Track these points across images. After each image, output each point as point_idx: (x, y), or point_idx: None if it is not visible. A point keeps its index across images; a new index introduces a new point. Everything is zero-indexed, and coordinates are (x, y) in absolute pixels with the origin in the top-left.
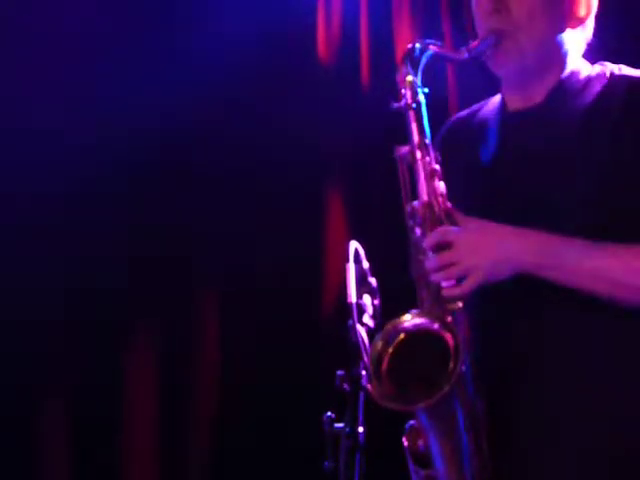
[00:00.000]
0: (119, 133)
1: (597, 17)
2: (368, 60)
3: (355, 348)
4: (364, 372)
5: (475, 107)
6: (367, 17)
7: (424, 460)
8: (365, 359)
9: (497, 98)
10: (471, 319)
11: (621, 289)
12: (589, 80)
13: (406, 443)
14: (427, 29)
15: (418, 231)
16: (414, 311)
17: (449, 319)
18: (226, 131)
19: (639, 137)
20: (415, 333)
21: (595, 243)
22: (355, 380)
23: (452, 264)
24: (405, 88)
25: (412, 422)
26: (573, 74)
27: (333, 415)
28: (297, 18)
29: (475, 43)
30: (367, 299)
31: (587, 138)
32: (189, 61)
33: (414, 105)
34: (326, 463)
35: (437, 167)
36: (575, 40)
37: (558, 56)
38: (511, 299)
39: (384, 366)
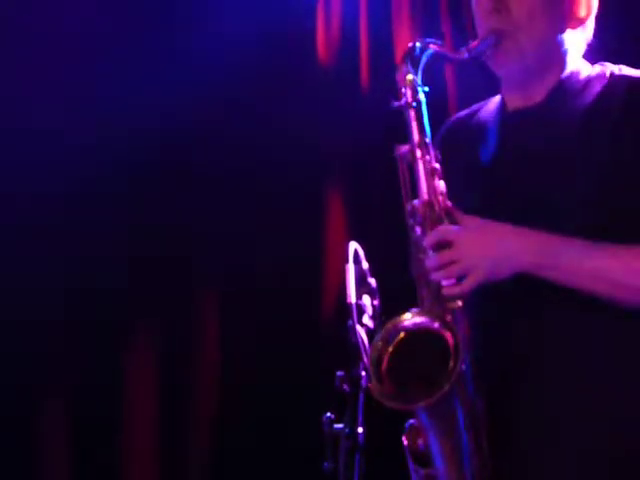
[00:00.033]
0: (119, 133)
1: (597, 18)
2: (368, 61)
3: (355, 349)
4: (364, 373)
5: (475, 107)
6: (367, 18)
7: (424, 459)
8: (365, 360)
9: (497, 98)
10: (471, 318)
11: (621, 290)
12: (589, 80)
13: (406, 442)
14: (427, 30)
15: (418, 230)
16: (414, 310)
17: (449, 318)
18: (226, 131)
19: (639, 137)
20: (415, 332)
21: (595, 243)
22: (355, 381)
23: (452, 263)
24: (405, 87)
25: (412, 421)
26: (573, 74)
27: (333, 416)
28: (297, 18)
29: (475, 43)
30: (367, 300)
31: (587, 138)
32: (189, 61)
33: (414, 104)
34: (326, 464)
35: (437, 166)
36: (575, 40)
37: (558, 56)
38: (511, 298)
39: (384, 365)
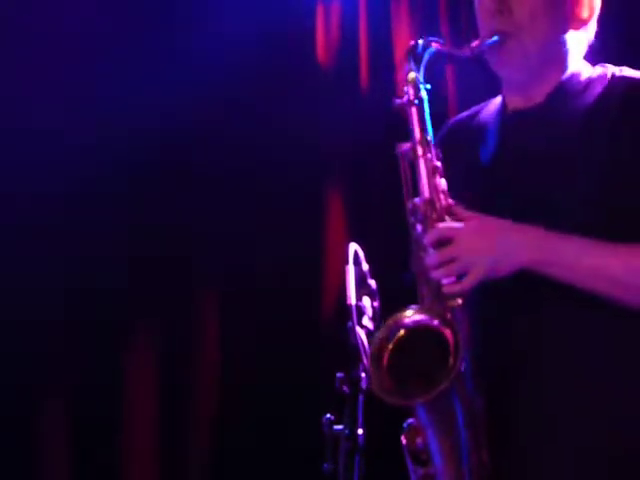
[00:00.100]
0: (119, 133)
1: (599, 19)
2: (367, 61)
3: (354, 350)
4: (363, 374)
5: (475, 109)
6: (366, 18)
7: (422, 458)
8: (364, 361)
9: (497, 99)
10: (471, 316)
11: (620, 288)
12: (590, 81)
13: (405, 441)
14: (426, 31)
15: (419, 228)
16: (414, 307)
17: (449, 315)
18: (226, 131)
19: (637, 135)
20: (415, 329)
21: (595, 241)
22: (354, 382)
23: (452, 260)
24: (407, 84)
25: (411, 420)
26: (574, 75)
27: (332, 417)
28: (297, 19)
29: (477, 42)
30: (366, 301)
31: (588, 138)
32: (189, 61)
33: (416, 101)
34: (325, 465)
35: (438, 164)
36: (577, 41)
37: (560, 57)
38: (511, 296)
39: (384, 362)
